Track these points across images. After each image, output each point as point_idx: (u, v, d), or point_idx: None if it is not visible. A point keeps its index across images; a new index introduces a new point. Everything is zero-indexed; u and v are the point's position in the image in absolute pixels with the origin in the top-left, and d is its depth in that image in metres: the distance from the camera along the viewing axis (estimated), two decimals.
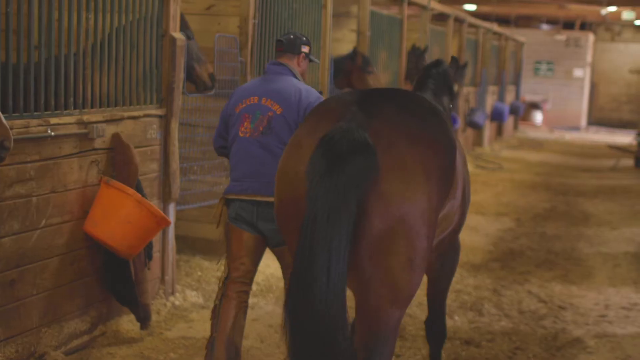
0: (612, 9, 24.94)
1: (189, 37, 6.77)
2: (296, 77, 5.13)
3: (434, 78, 5.58)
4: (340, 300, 3.46)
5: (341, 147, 3.50)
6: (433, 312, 5.23)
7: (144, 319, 5.85)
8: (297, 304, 3.50)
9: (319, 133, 3.65)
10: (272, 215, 4.57)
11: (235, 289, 4.92)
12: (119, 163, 5.69)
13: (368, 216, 3.54)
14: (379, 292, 3.65)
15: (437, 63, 5.75)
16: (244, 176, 4.91)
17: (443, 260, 4.96)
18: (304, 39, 5.24)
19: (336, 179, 3.45)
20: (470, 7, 26.16)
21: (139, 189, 5.75)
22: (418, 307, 6.86)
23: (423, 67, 5.93)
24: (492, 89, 21.21)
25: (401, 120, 3.79)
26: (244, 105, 5.00)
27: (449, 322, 6.35)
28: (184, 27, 6.77)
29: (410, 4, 12.69)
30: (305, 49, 5.21)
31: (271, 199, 4.40)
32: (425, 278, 4.74)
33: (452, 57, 6.14)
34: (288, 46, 5.16)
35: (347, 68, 9.73)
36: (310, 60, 5.30)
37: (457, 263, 5.16)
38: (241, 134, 4.96)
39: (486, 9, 26.02)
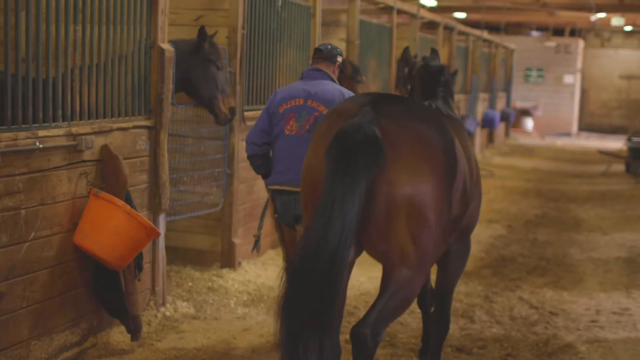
0: (602, 15, 25.09)
1: (218, 68, 7.07)
2: (334, 82, 5.65)
3: (442, 86, 5.89)
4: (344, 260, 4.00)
5: (353, 138, 4.09)
6: (438, 303, 5.42)
7: (134, 331, 5.84)
8: (306, 255, 4.01)
9: (336, 128, 4.22)
10: None
11: None
12: (108, 174, 5.68)
13: (376, 197, 4.15)
14: (389, 256, 4.27)
15: (441, 71, 5.97)
16: (288, 169, 5.42)
17: (451, 250, 5.22)
18: (339, 50, 5.82)
19: (349, 165, 4.04)
20: (460, 15, 26.28)
21: (128, 200, 5.75)
22: (410, 315, 6.87)
23: (428, 73, 6.01)
24: (482, 96, 21.26)
25: (407, 121, 4.35)
26: (288, 106, 5.50)
27: None
28: (217, 58, 7.06)
29: (399, 12, 12.72)
30: (339, 59, 5.81)
31: None
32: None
33: (432, 49, 6.33)
34: (327, 55, 5.75)
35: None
36: (340, 71, 5.83)
37: (465, 257, 5.43)
38: (287, 132, 5.48)
39: (476, 16, 26.12)
